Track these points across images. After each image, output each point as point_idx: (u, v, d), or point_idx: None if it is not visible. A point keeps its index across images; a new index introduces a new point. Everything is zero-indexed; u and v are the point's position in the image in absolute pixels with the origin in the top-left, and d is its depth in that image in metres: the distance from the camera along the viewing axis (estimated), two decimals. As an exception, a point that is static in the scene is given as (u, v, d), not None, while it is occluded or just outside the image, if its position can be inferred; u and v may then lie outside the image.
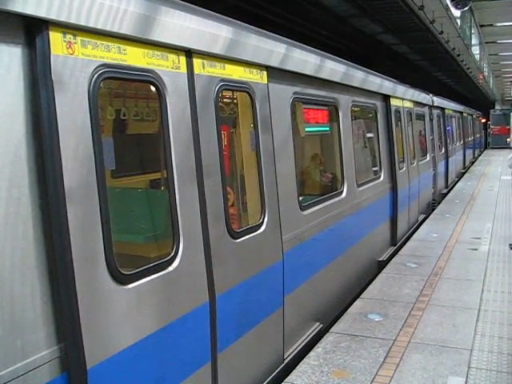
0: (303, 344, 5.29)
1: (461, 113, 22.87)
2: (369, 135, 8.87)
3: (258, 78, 4.49)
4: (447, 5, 14.07)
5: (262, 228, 4.47)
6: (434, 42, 17.77)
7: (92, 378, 2.67)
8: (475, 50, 24.32)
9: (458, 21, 17.35)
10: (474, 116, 31.83)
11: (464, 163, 23.25)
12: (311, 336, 5.47)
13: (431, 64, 24.20)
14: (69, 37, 2.68)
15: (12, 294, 2.38)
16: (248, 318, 4.25)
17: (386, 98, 9.08)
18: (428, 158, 13.06)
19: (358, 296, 6.80)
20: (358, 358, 4.94)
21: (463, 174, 21.71)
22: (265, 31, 4.88)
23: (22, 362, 2.37)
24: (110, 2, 2.85)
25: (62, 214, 2.56)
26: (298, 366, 4.81)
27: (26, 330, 2.42)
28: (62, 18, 2.57)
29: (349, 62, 7.45)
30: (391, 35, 16.61)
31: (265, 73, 4.61)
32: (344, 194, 6.61)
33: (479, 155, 32.99)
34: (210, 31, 3.78)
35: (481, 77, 30.52)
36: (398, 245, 9.43)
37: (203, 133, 3.69)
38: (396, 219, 9.31)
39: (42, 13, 2.46)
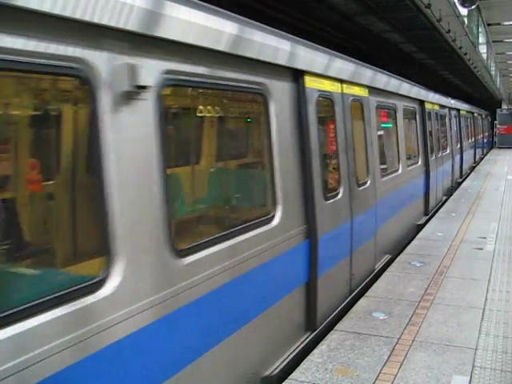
0: (373, 275, 7.55)
1: (472, 113, 25.32)
2: (412, 131, 11.77)
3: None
4: (454, 3, 14.01)
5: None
6: (441, 41, 17.71)
7: (320, 243, 5.43)
8: (482, 49, 24.22)
9: (465, 19, 17.27)
10: (484, 116, 33.18)
11: (474, 158, 25.85)
12: (383, 263, 8.11)
13: (438, 63, 24.15)
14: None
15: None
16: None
17: (421, 103, 12.04)
18: (448, 151, 15.88)
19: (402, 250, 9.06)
20: (362, 355, 4.95)
21: (473, 167, 23.56)
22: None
23: (298, 228, 5.15)
24: (320, 59, 5.93)
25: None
26: (301, 363, 4.81)
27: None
28: (311, 69, 5.51)
29: (399, 77, 10.30)
30: (398, 34, 16.57)
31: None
32: (400, 171, 9.68)
33: (487, 153, 33.10)
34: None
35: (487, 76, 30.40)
36: (430, 215, 12.23)
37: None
38: (428, 195, 12.33)
39: (304, 67, 5.34)
